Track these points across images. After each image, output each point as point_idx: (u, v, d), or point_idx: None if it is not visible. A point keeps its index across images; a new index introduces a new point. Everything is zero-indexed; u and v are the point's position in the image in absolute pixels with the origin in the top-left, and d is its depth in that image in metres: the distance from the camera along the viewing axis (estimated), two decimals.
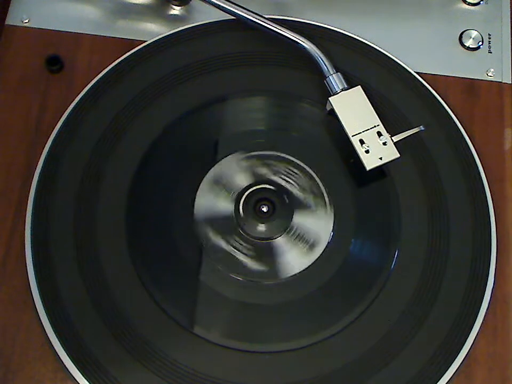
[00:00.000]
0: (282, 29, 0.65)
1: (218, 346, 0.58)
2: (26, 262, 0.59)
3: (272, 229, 0.63)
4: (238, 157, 0.65)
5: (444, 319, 0.59)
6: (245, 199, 0.63)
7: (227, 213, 0.63)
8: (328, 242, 0.62)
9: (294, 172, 0.64)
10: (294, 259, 0.61)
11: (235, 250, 0.62)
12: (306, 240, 0.62)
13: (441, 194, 0.63)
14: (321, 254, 0.61)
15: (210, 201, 0.63)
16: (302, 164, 0.65)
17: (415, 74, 0.68)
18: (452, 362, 0.58)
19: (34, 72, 0.67)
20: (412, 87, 0.68)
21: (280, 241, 0.62)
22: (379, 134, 0.62)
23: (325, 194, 0.63)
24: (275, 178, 0.64)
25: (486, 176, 0.64)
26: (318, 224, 0.63)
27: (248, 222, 0.63)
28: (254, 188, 0.64)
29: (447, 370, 0.58)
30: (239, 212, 0.63)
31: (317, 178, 0.64)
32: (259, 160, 0.65)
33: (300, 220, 0.63)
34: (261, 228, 0.63)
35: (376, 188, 0.64)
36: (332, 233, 0.62)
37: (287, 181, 0.64)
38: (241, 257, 0.61)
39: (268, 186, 0.64)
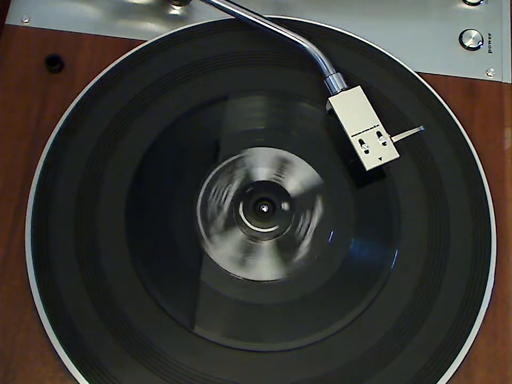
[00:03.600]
0: (282, 29, 0.65)
1: (218, 346, 0.58)
2: (26, 262, 0.59)
3: (271, 229, 0.63)
4: (240, 156, 0.65)
5: (443, 319, 0.59)
6: (245, 199, 0.63)
7: (227, 213, 0.63)
8: (328, 242, 0.62)
9: (292, 171, 0.64)
10: (294, 259, 0.61)
11: (235, 249, 0.62)
12: (306, 239, 0.62)
13: (441, 194, 0.63)
14: (321, 254, 0.61)
15: (210, 200, 0.63)
16: (303, 164, 0.64)
17: (415, 74, 0.68)
18: (452, 362, 0.58)
19: (34, 72, 0.67)
20: (411, 87, 0.68)
21: (278, 241, 0.62)
22: (379, 134, 0.62)
23: (325, 194, 0.63)
24: (276, 178, 0.64)
25: (486, 176, 0.64)
26: (318, 222, 0.63)
27: (248, 221, 0.63)
28: (255, 187, 0.64)
29: (447, 370, 0.58)
30: (239, 212, 0.63)
31: (317, 177, 0.64)
32: (260, 160, 0.65)
33: (300, 218, 0.63)
34: (261, 227, 0.63)
35: (376, 188, 0.64)
36: (332, 233, 0.62)
37: (287, 181, 0.64)
38: (241, 256, 0.61)
39: (268, 186, 0.64)
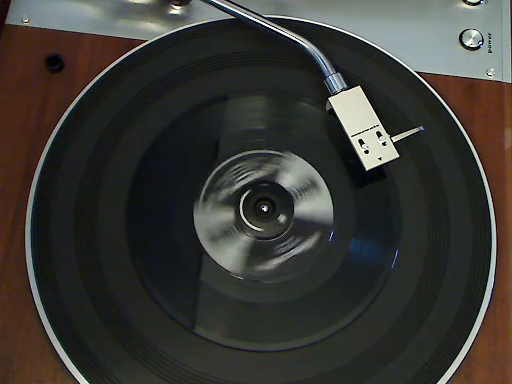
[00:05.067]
0: (282, 28, 0.65)
1: (218, 346, 0.58)
2: (26, 262, 0.59)
3: (272, 228, 0.63)
4: (240, 157, 0.65)
5: (443, 318, 0.59)
6: (245, 199, 0.63)
7: (227, 213, 0.63)
8: (328, 242, 0.62)
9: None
10: (293, 259, 0.61)
11: (236, 249, 0.62)
12: (306, 240, 0.62)
13: (441, 194, 0.63)
14: (321, 254, 0.61)
15: (211, 200, 0.63)
16: (304, 164, 0.64)
17: (415, 73, 0.68)
18: (452, 362, 0.58)
19: (34, 72, 0.67)
20: (412, 86, 0.68)
21: (279, 241, 0.62)
22: (378, 134, 0.62)
23: (327, 193, 0.63)
24: (276, 178, 0.64)
25: (486, 176, 0.64)
26: (318, 222, 0.63)
27: (248, 221, 0.63)
28: (255, 187, 0.64)
29: (447, 370, 0.58)
30: (240, 212, 0.63)
31: (318, 177, 0.64)
32: (261, 159, 0.65)
33: (300, 218, 0.63)
34: (261, 227, 0.63)
35: (376, 188, 0.64)
36: (332, 233, 0.62)
37: (288, 181, 0.64)
38: (241, 255, 0.61)
39: (268, 186, 0.64)
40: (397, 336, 0.59)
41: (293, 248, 0.62)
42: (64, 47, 0.68)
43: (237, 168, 0.64)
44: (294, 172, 0.64)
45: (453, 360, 0.58)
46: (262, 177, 0.64)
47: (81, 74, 0.67)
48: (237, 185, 0.64)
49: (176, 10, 0.71)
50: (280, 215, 0.63)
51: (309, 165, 0.65)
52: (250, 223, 0.62)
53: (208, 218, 0.62)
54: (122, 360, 0.57)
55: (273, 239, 0.62)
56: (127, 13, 0.70)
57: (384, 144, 0.62)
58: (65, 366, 0.57)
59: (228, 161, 0.64)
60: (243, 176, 0.64)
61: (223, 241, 0.62)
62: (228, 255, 0.61)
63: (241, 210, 0.63)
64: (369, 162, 0.62)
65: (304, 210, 0.63)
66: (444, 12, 0.72)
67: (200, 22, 0.70)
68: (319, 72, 0.65)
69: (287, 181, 0.64)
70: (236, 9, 0.66)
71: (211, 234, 0.62)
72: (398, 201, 0.63)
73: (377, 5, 0.72)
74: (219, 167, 0.64)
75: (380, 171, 0.64)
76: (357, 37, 0.69)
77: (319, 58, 0.65)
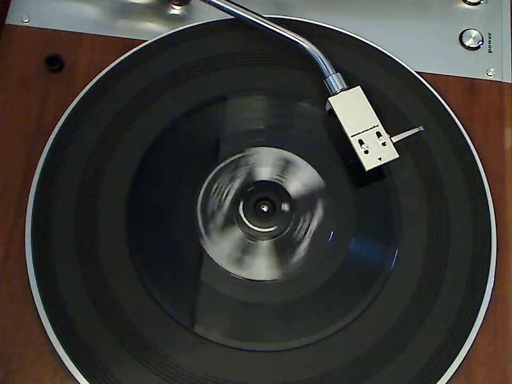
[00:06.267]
0: (282, 29, 0.65)
1: (218, 346, 0.58)
2: (26, 262, 0.59)
3: (271, 229, 0.63)
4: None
5: (443, 319, 0.59)
6: (245, 198, 0.63)
7: (228, 212, 0.63)
8: (328, 242, 0.62)
9: (295, 172, 0.64)
10: (291, 260, 0.61)
11: (236, 248, 0.62)
12: (305, 241, 0.62)
13: (441, 194, 0.63)
14: (321, 255, 0.61)
15: (211, 200, 0.63)
16: (304, 164, 0.64)
17: (415, 73, 0.68)
18: (452, 362, 0.58)
19: (34, 72, 0.67)
20: (412, 86, 0.68)
21: (276, 242, 0.62)
22: (378, 134, 0.62)
23: (325, 193, 0.63)
24: (278, 178, 0.64)
25: (486, 176, 0.64)
26: (318, 223, 0.63)
27: (247, 220, 0.63)
28: (255, 187, 0.64)
29: (447, 370, 0.58)
30: (239, 211, 0.63)
31: (319, 179, 0.64)
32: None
33: (300, 219, 0.63)
34: (260, 227, 0.63)
35: (376, 187, 0.64)
36: (332, 233, 0.62)
37: (289, 181, 0.64)
38: (241, 255, 0.61)
39: (269, 186, 0.64)
40: (397, 336, 0.59)
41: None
42: (64, 47, 0.68)
43: (216, 189, 0.64)
44: (264, 162, 0.65)
45: (453, 360, 0.58)
46: (243, 183, 0.64)
47: (81, 74, 0.67)
48: (227, 203, 0.63)
49: (176, 10, 0.71)
50: (282, 205, 0.63)
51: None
52: (250, 222, 0.62)
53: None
54: (122, 360, 0.57)
55: (272, 239, 0.62)
56: (127, 13, 0.70)
57: (384, 144, 0.62)
58: (65, 366, 0.57)
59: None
60: (225, 193, 0.64)
61: (223, 239, 0.62)
62: (228, 255, 0.61)
63: (241, 209, 0.63)
64: (369, 162, 0.62)
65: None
66: (444, 12, 0.72)
67: (200, 22, 0.70)
68: (319, 72, 0.65)
69: (265, 173, 0.64)
70: (236, 9, 0.66)
71: (210, 230, 0.62)
72: (398, 201, 0.63)
73: (377, 5, 0.72)
74: (223, 164, 0.64)
75: (379, 171, 0.64)
76: (357, 37, 0.69)
77: (319, 58, 0.65)
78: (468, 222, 0.63)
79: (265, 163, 0.65)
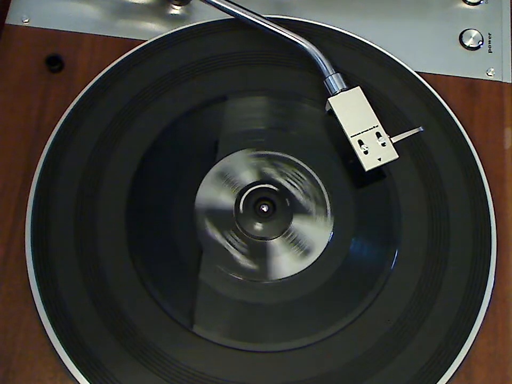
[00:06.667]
0: (281, 29, 0.65)
1: (218, 346, 0.58)
2: (26, 262, 0.59)
3: (270, 230, 0.63)
4: (245, 154, 0.65)
5: (443, 319, 0.59)
6: (246, 196, 0.63)
7: (227, 209, 0.63)
8: (328, 242, 0.62)
9: (299, 176, 0.64)
10: (287, 262, 0.61)
11: (229, 245, 0.62)
12: (302, 246, 0.62)
13: (441, 194, 0.63)
14: (316, 259, 0.61)
15: (211, 200, 0.63)
16: (307, 169, 0.64)
17: (415, 73, 0.68)
18: (452, 362, 0.58)
19: (34, 72, 0.67)
20: (412, 86, 0.68)
21: (275, 243, 0.62)
22: (378, 134, 0.62)
23: (327, 202, 0.63)
24: (280, 179, 0.64)
25: (486, 176, 0.64)
26: (316, 231, 0.62)
27: (246, 219, 0.63)
28: (257, 186, 0.64)
29: (447, 370, 0.58)
30: (239, 209, 0.63)
31: (320, 184, 0.64)
32: (266, 160, 0.65)
33: (299, 224, 0.63)
34: (259, 227, 0.63)
35: (376, 188, 0.64)
36: (332, 233, 0.62)
37: (291, 184, 0.64)
38: (234, 253, 0.61)
39: (271, 186, 0.64)
40: (397, 336, 0.59)
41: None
42: (64, 47, 0.68)
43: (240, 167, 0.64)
44: (296, 175, 0.65)
45: (453, 360, 0.58)
46: (265, 178, 0.64)
47: (81, 74, 0.67)
48: (239, 184, 0.64)
49: (176, 10, 0.71)
50: (279, 216, 0.63)
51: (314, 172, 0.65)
52: (250, 222, 0.62)
53: (208, 214, 0.62)
54: (122, 360, 0.57)
55: (272, 240, 0.62)
56: (127, 13, 0.70)
57: (383, 144, 0.62)
58: (65, 366, 0.57)
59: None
60: (245, 175, 0.64)
61: (223, 239, 0.62)
62: (228, 254, 0.61)
63: (241, 208, 0.63)
64: (368, 162, 0.62)
65: (301, 225, 0.63)
66: (444, 12, 0.72)
67: (200, 22, 0.70)
68: (318, 73, 0.65)
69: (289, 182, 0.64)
70: (236, 9, 0.66)
71: (210, 230, 0.62)
72: (398, 201, 0.63)
73: (377, 5, 0.72)
74: (223, 164, 0.64)
75: (379, 171, 0.64)
76: (357, 37, 0.69)
77: (318, 58, 0.65)
78: (468, 222, 0.63)
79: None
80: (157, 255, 0.61)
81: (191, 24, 0.69)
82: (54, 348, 0.57)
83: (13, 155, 0.64)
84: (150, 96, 0.66)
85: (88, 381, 0.56)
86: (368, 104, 0.63)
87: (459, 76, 0.69)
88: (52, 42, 0.68)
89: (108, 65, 0.67)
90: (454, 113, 0.67)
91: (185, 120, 0.66)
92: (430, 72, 0.69)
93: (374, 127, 0.63)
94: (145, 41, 0.68)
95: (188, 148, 0.65)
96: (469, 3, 0.72)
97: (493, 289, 0.61)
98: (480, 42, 0.71)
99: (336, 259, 0.61)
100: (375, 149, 0.62)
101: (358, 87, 0.64)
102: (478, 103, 0.69)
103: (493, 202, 0.63)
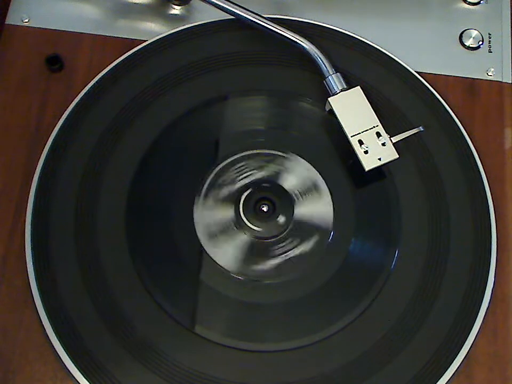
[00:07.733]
0: (281, 29, 0.65)
1: (218, 346, 0.58)
2: (26, 262, 0.59)
3: (270, 229, 0.63)
4: (241, 156, 0.65)
5: (443, 319, 0.59)
6: (245, 198, 0.63)
7: (227, 211, 0.63)
8: (328, 242, 0.62)
9: (296, 173, 0.64)
10: (287, 262, 0.61)
11: (236, 248, 0.62)
12: (302, 245, 0.62)
13: (441, 194, 0.63)
14: (320, 254, 0.61)
15: (212, 196, 0.63)
16: (305, 165, 0.64)
17: (415, 73, 0.68)
18: (452, 362, 0.58)
19: (34, 72, 0.67)
20: (412, 86, 0.68)
21: (275, 243, 0.62)
22: (378, 134, 0.62)
23: (327, 197, 0.63)
24: (280, 179, 0.64)
25: (486, 176, 0.64)
26: (318, 224, 0.63)
27: (246, 219, 0.63)
28: (257, 186, 0.64)
29: (447, 370, 0.58)
30: (239, 209, 0.63)
31: (320, 180, 0.64)
32: (261, 159, 0.65)
33: (300, 220, 0.63)
34: (259, 227, 0.63)
35: (376, 188, 0.64)
36: (332, 233, 0.62)
37: (291, 184, 0.64)
38: (241, 255, 0.61)
39: (268, 185, 0.64)
40: (397, 336, 0.59)
41: (291, 250, 0.62)
42: (64, 47, 0.68)
43: (240, 167, 0.64)
44: (296, 173, 0.64)
45: (453, 360, 0.58)
46: (264, 177, 0.64)
47: (81, 74, 0.67)
48: (239, 184, 0.64)
49: (176, 10, 0.71)
50: (280, 216, 0.63)
51: (313, 168, 0.64)
52: (249, 222, 0.62)
53: (208, 214, 0.62)
54: (122, 360, 0.57)
55: (272, 240, 0.62)
56: (127, 13, 0.70)
57: (383, 144, 0.62)
58: (65, 366, 0.57)
59: (232, 158, 0.64)
60: (245, 175, 0.64)
61: (223, 239, 0.62)
62: (228, 255, 0.61)
63: (241, 208, 0.63)
64: (368, 162, 0.62)
65: (304, 212, 0.63)
66: (444, 12, 0.72)
67: (200, 22, 0.70)
68: (319, 72, 0.65)
69: (289, 182, 0.64)
70: (236, 9, 0.66)
71: (210, 230, 0.62)
72: (398, 201, 0.63)
73: (377, 5, 0.72)
74: (223, 164, 0.64)
75: (379, 171, 0.64)
76: (357, 37, 0.69)
77: (318, 58, 0.65)
78: (468, 222, 0.63)
79: (295, 173, 0.65)
80: (157, 255, 0.61)
81: (191, 24, 0.69)
82: (54, 348, 0.57)
83: (13, 155, 0.64)
84: (150, 96, 0.66)
85: (88, 381, 0.56)
86: (368, 104, 0.63)
87: (459, 75, 0.69)
88: (51, 42, 0.68)
89: (108, 65, 0.67)
90: (454, 113, 0.67)
91: (185, 120, 0.66)
92: (430, 72, 0.69)
93: (374, 126, 0.63)
94: (145, 41, 0.68)
95: (188, 148, 0.65)
96: (469, 3, 0.72)
97: (492, 289, 0.61)
98: (480, 42, 0.71)
99: (336, 259, 0.61)
100: (375, 149, 0.62)
101: (358, 87, 0.64)
102: (478, 103, 0.69)
103: (493, 202, 0.63)
